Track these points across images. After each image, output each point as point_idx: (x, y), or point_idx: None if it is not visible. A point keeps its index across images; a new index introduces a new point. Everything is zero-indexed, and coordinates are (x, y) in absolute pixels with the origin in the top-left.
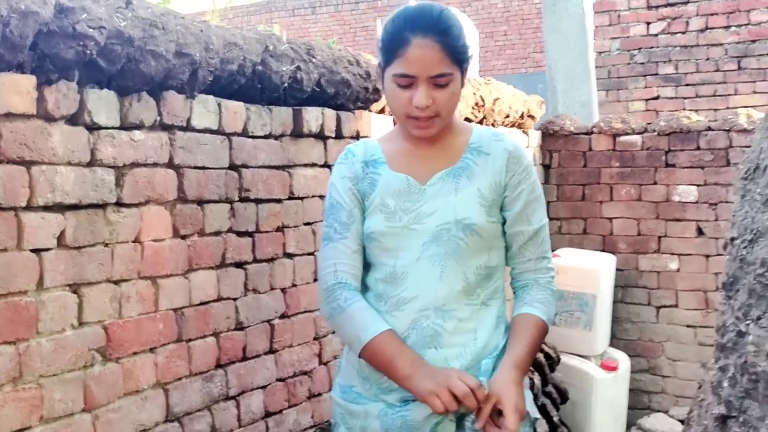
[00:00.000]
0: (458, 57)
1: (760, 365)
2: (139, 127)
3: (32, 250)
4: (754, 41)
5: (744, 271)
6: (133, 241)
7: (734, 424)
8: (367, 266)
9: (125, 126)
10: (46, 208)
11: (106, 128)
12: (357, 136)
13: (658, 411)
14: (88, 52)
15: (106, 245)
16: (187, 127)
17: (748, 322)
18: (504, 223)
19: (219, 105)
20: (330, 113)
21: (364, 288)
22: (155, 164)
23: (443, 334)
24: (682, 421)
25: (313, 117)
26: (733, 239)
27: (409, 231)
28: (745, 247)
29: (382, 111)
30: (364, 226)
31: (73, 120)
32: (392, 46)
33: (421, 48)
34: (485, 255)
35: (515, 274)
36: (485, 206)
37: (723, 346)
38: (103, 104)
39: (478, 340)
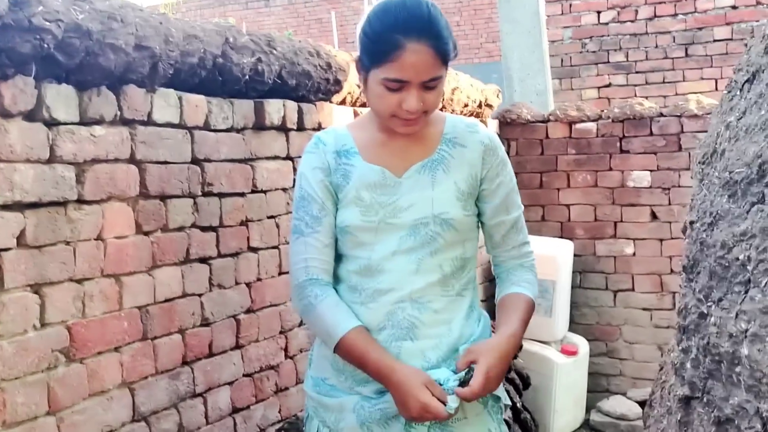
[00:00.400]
0: (447, 58)
1: (722, 346)
2: (99, 122)
3: None
4: (700, 29)
5: (704, 253)
6: (96, 239)
7: (698, 404)
8: (338, 257)
9: (85, 121)
10: (5, 207)
11: (66, 124)
12: (319, 128)
13: (617, 393)
14: (45, 45)
15: (68, 243)
16: (148, 122)
17: (709, 303)
18: (479, 214)
19: (180, 98)
20: (292, 105)
21: (336, 280)
22: (116, 160)
23: (419, 326)
24: (639, 403)
25: (275, 109)
26: (692, 222)
27: (385, 225)
28: (704, 231)
29: (342, 102)
30: (338, 219)
31: (30, 116)
32: (382, 49)
33: (415, 53)
34: (460, 247)
35: (499, 262)
36: (462, 200)
37: (685, 328)
38: (61, 99)
39: (452, 331)
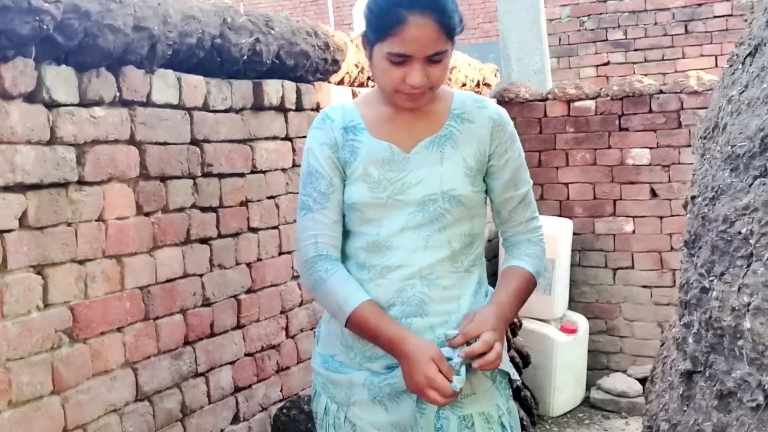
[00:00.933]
0: (453, 33)
1: (724, 320)
2: (99, 103)
3: None
4: (700, 5)
5: (706, 228)
6: (97, 220)
7: (700, 378)
8: (346, 234)
9: (85, 102)
10: (7, 189)
11: (66, 105)
12: (317, 108)
13: (617, 371)
14: (45, 27)
15: (70, 225)
16: (148, 103)
17: (711, 278)
18: (487, 190)
19: (179, 79)
20: (290, 85)
21: (344, 257)
22: (116, 141)
23: (429, 303)
24: (640, 380)
25: (274, 89)
26: (693, 197)
27: (394, 201)
28: (706, 205)
29: (341, 82)
30: (346, 195)
31: (31, 98)
32: (386, 23)
33: (419, 27)
34: (468, 223)
35: (507, 236)
36: (470, 176)
37: (687, 302)
38: (61, 81)
39: (461, 307)
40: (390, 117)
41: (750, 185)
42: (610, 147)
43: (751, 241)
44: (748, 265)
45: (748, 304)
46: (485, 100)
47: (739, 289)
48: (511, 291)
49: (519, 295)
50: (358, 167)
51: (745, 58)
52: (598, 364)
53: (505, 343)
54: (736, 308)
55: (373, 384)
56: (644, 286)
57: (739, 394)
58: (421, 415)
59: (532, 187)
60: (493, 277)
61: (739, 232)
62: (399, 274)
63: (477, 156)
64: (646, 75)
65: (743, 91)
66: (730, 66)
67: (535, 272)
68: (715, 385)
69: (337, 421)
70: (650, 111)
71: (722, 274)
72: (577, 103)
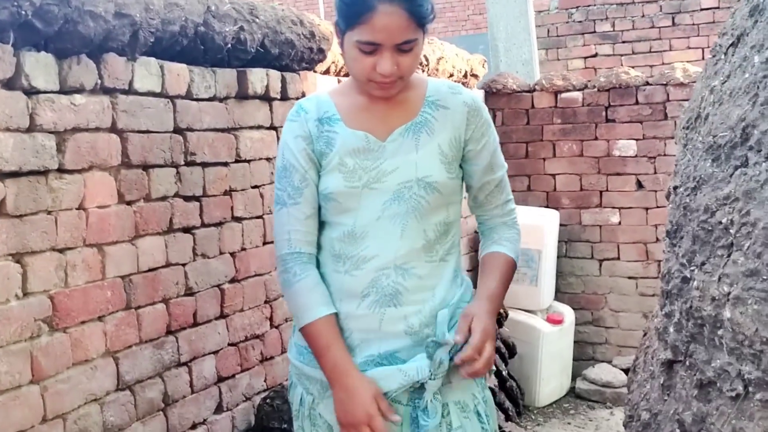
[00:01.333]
0: (423, 21)
1: (705, 309)
2: (80, 90)
3: None
4: None
5: (687, 218)
6: (77, 208)
7: (680, 368)
8: (321, 225)
9: (65, 90)
10: None
11: (45, 92)
12: (302, 97)
13: (602, 361)
14: (23, 12)
15: (49, 213)
16: (130, 91)
17: (692, 268)
18: (463, 176)
19: (161, 67)
20: (275, 74)
21: (319, 248)
22: (97, 129)
23: (403, 293)
24: (625, 371)
25: (258, 78)
26: (675, 188)
27: (369, 190)
28: (687, 195)
29: (327, 72)
30: (321, 186)
31: (10, 84)
32: (355, 11)
33: (387, 15)
34: (444, 211)
35: (483, 220)
36: (445, 163)
37: (668, 292)
38: (41, 67)
39: (436, 297)
40: (365, 106)
41: (731, 175)
42: (596, 138)
43: (731, 231)
44: (729, 255)
45: (728, 293)
46: (459, 86)
47: (719, 278)
48: (499, 279)
49: (505, 283)
50: (334, 158)
51: (727, 49)
52: (583, 355)
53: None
54: (717, 298)
55: None
56: (630, 277)
57: (718, 384)
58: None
59: (507, 171)
60: (474, 271)
61: (720, 222)
62: (373, 264)
63: (452, 142)
64: (633, 67)
65: (725, 82)
66: (713, 56)
67: (515, 257)
68: (695, 375)
69: (312, 412)
70: (637, 102)
71: (703, 263)
72: (564, 95)
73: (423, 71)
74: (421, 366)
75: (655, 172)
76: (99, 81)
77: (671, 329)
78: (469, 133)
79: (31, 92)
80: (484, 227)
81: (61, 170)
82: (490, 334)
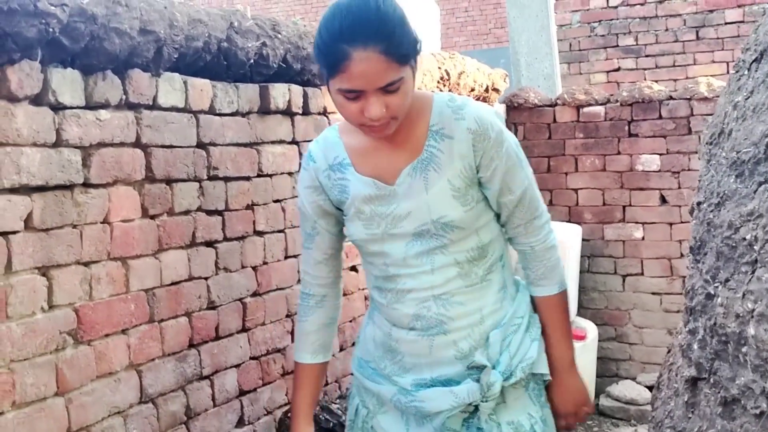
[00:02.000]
0: (406, 59)
1: (729, 326)
2: (105, 106)
3: None
4: (711, 11)
5: (711, 234)
6: (102, 222)
7: (705, 385)
8: (364, 258)
9: (90, 105)
10: (12, 191)
11: (71, 108)
12: (324, 112)
13: (626, 378)
14: (51, 30)
15: (75, 227)
16: (154, 106)
17: (716, 284)
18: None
19: (185, 83)
20: (297, 89)
21: (368, 279)
22: (122, 144)
23: (448, 322)
24: (649, 387)
25: (280, 93)
26: (699, 203)
27: (389, 236)
28: (711, 211)
29: None
30: (347, 231)
31: (37, 100)
32: (331, 61)
33: (364, 62)
34: (474, 237)
35: (510, 238)
36: (459, 198)
37: (692, 309)
38: (67, 83)
39: (484, 320)
40: (373, 146)
41: (755, 191)
42: (619, 153)
43: (755, 247)
44: (753, 272)
45: (752, 310)
46: (463, 108)
47: (743, 295)
48: (558, 335)
49: (562, 327)
50: (351, 206)
51: (750, 64)
52: (607, 371)
53: (542, 341)
54: (741, 315)
55: (400, 402)
56: (654, 293)
57: (743, 401)
58: None
59: (530, 186)
60: None
61: (744, 239)
62: (414, 297)
63: (463, 173)
64: (657, 81)
65: (749, 97)
66: (736, 72)
67: (558, 287)
68: (719, 392)
69: (365, 425)
70: (660, 117)
71: (727, 280)
72: (586, 109)
73: (444, 86)
74: (472, 389)
75: (679, 187)
76: (124, 96)
77: (695, 346)
78: (478, 160)
79: (57, 108)
80: (516, 247)
81: (87, 184)
82: (579, 403)
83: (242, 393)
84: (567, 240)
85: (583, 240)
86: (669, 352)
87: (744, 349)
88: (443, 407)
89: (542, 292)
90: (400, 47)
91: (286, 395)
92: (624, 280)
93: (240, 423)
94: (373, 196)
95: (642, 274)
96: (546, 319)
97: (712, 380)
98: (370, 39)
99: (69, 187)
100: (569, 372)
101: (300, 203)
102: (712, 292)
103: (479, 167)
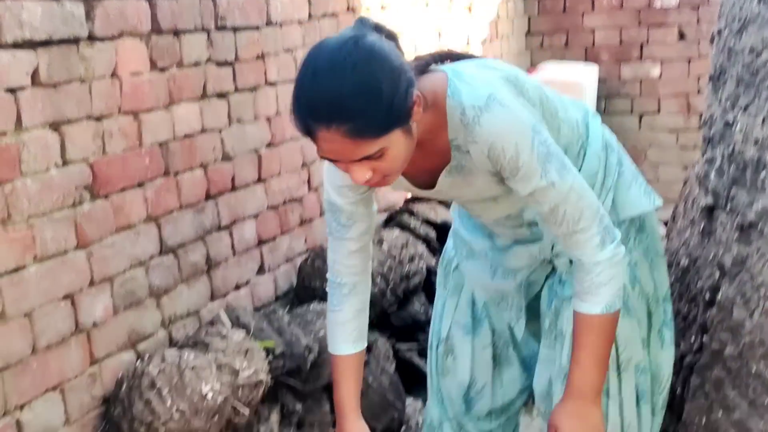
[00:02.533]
0: (383, 131)
1: (748, 152)
2: None
3: (7, 90)
4: None
5: (731, 61)
6: (111, 76)
7: (721, 213)
8: None
9: None
10: (16, 46)
11: None
12: None
13: None
14: None
15: (83, 81)
16: None
17: (735, 111)
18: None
19: None
20: None
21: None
22: None
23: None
24: (665, 223)
25: None
26: (719, 31)
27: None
28: (732, 37)
29: None
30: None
31: None
32: (301, 130)
33: (328, 142)
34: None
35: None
36: (500, 183)
37: (710, 138)
38: None
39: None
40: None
41: None
42: None
43: None
44: None
45: None
46: (474, 129)
47: (763, 120)
48: (586, 363)
49: (596, 353)
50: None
51: None
52: None
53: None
54: (759, 140)
55: (488, 257)
56: (670, 131)
57: (760, 225)
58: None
59: (565, 201)
60: None
61: (766, 62)
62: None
63: (497, 174)
64: None
65: None
66: None
67: (604, 307)
68: (736, 219)
69: (448, 266)
70: None
71: (747, 106)
72: None
73: None
74: (544, 245)
75: (698, 22)
76: None
77: (712, 175)
78: (498, 168)
79: None
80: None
81: (92, 38)
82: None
83: (261, 242)
84: (583, 81)
85: (599, 80)
86: (685, 184)
87: (762, 175)
88: (522, 264)
89: (583, 308)
90: (371, 124)
91: (305, 243)
92: (640, 120)
93: (260, 271)
94: (413, 192)
95: (658, 112)
96: (581, 340)
97: (728, 207)
98: (333, 119)
99: (74, 41)
100: (592, 403)
101: (330, 199)
102: (731, 120)
103: (504, 176)
